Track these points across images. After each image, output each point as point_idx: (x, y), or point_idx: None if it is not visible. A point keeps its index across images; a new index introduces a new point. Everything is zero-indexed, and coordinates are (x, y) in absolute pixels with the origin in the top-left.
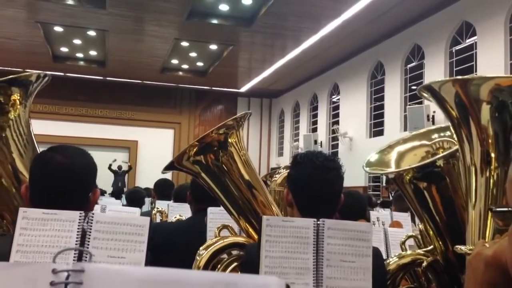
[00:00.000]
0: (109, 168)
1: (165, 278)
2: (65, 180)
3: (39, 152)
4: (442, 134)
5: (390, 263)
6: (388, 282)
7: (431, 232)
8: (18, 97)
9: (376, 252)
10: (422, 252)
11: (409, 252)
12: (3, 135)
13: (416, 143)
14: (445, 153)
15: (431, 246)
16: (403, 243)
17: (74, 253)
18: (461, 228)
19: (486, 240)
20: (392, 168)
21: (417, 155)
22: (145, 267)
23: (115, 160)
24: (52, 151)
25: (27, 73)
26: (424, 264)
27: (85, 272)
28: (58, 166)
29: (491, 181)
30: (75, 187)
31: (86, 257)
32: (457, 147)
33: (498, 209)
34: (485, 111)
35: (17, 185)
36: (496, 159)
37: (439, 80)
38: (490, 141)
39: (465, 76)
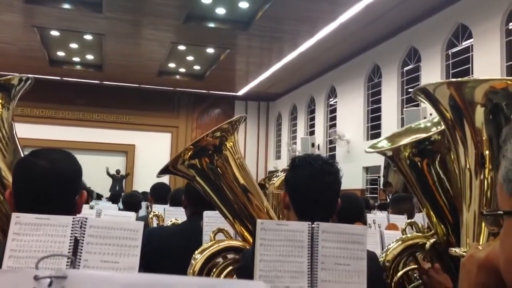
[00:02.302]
0: (107, 174)
1: (148, 283)
2: (49, 185)
3: (22, 154)
4: (439, 127)
5: (393, 246)
6: (392, 266)
7: (434, 219)
8: (1, 101)
9: (371, 256)
10: (424, 235)
11: (410, 235)
12: None
13: (415, 134)
14: (441, 128)
15: (433, 231)
16: (404, 229)
17: (67, 260)
18: (457, 207)
19: (480, 242)
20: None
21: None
22: (128, 273)
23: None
24: (34, 155)
25: (8, 77)
26: (427, 245)
27: (67, 278)
28: (41, 171)
29: (485, 183)
30: (60, 191)
31: (78, 263)
32: None
33: (488, 212)
34: (480, 114)
35: (3, 191)
36: (490, 161)
37: (433, 82)
38: (484, 144)
39: (460, 79)
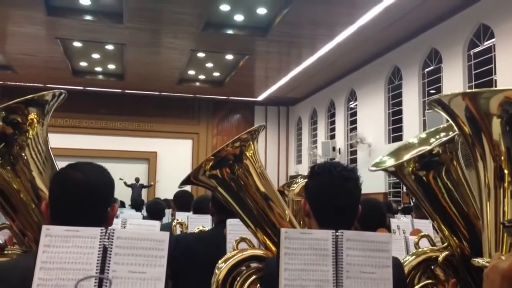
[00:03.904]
0: (125, 184)
1: None
2: (84, 197)
3: (57, 168)
4: (437, 136)
5: (407, 261)
6: (407, 280)
7: (446, 232)
8: (36, 116)
9: (396, 262)
10: (437, 249)
11: (424, 249)
12: (23, 154)
13: (418, 148)
14: (442, 140)
15: (446, 244)
16: (417, 243)
17: (95, 280)
18: (469, 216)
19: (503, 253)
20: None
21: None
22: None
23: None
24: (70, 168)
25: (42, 93)
26: (440, 258)
27: None
28: (76, 184)
29: (506, 195)
30: (93, 203)
31: (106, 284)
32: (454, 134)
33: (510, 224)
34: (496, 125)
35: (38, 202)
36: (510, 174)
37: (448, 93)
38: (502, 156)
39: (474, 90)
